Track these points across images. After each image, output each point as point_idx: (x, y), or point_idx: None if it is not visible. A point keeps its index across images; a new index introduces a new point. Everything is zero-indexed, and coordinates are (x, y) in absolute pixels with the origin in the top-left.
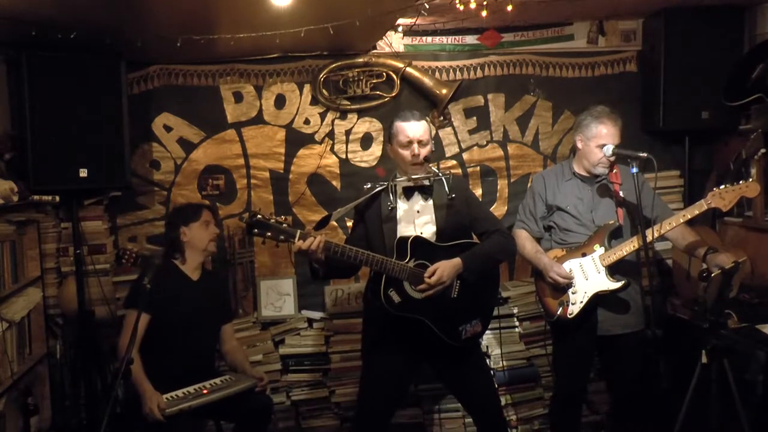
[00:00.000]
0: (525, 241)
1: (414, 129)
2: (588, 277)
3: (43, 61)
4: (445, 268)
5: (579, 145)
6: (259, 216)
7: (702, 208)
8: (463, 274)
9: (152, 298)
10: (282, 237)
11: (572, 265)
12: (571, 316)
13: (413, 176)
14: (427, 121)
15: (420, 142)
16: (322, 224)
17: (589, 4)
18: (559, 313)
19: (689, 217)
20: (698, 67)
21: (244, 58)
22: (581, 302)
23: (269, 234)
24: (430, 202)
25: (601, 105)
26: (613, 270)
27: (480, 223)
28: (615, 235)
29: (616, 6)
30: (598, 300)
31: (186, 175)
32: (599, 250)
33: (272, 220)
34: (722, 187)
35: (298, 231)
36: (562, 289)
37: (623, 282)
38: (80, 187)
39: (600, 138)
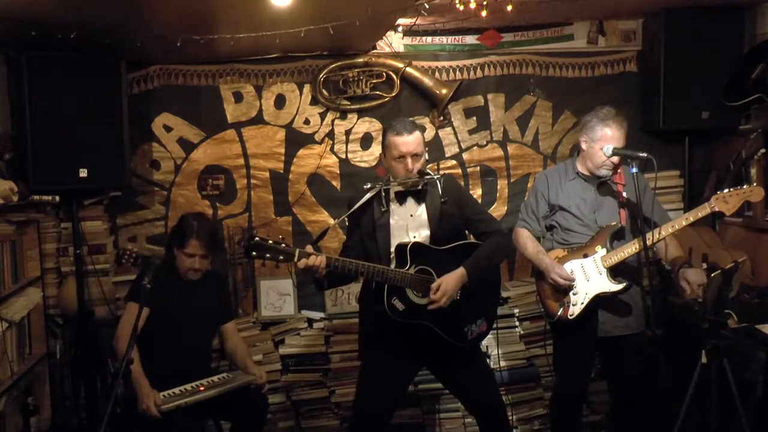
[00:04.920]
0: (527, 240)
1: (407, 143)
2: (589, 278)
3: (43, 61)
4: (449, 282)
5: (583, 146)
6: (256, 238)
7: (706, 212)
8: (467, 283)
9: (152, 293)
10: (281, 257)
11: (573, 266)
12: (572, 317)
13: (404, 180)
14: (420, 129)
15: (413, 156)
16: (319, 238)
17: (589, 4)
18: (559, 314)
19: (692, 220)
20: (698, 67)
21: (244, 58)
22: (582, 303)
23: (268, 255)
24: (424, 206)
25: (607, 107)
26: (615, 272)
27: (478, 224)
28: (617, 237)
29: (616, 6)
30: (599, 301)
31: (186, 175)
32: (601, 251)
33: (270, 241)
34: (726, 191)
35: (297, 250)
36: (563, 290)
37: (624, 284)
38: (80, 187)
39: (605, 141)
